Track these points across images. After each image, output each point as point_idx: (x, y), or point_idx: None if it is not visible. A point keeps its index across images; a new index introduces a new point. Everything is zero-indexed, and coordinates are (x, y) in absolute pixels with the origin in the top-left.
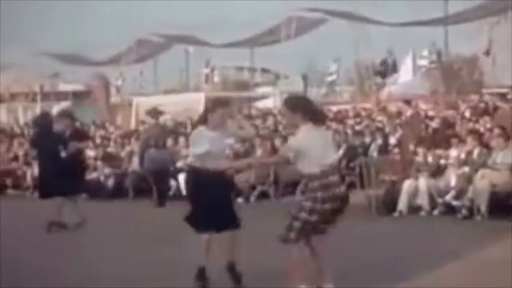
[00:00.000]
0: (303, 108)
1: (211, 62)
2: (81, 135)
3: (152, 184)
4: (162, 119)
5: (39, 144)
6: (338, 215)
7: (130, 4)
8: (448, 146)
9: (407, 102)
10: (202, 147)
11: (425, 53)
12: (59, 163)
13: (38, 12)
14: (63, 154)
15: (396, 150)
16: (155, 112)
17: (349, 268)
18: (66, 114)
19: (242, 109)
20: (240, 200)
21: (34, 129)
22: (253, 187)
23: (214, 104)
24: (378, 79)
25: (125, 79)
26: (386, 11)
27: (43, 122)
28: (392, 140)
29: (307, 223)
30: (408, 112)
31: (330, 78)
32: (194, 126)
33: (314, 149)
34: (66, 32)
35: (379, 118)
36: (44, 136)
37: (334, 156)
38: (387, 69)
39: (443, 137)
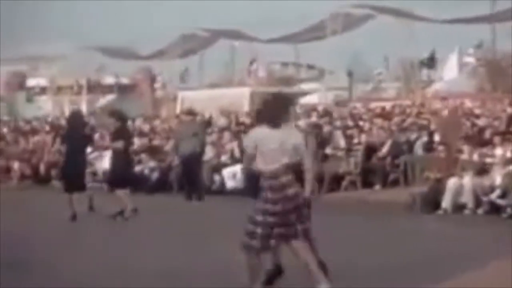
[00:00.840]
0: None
1: (257, 57)
2: (124, 134)
3: (183, 176)
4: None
5: (68, 141)
6: (296, 217)
7: None
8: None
9: (444, 99)
10: None
11: (470, 50)
12: (83, 161)
13: (85, 5)
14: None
15: (441, 147)
16: (189, 112)
17: (392, 266)
18: (111, 113)
19: None
20: None
21: (66, 126)
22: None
23: None
24: (424, 76)
25: (170, 73)
26: (433, 8)
27: (73, 120)
28: (437, 138)
29: (266, 227)
30: (445, 110)
31: (378, 74)
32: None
33: (265, 148)
34: (112, 26)
35: (424, 115)
36: (73, 134)
37: (287, 158)
38: (433, 65)
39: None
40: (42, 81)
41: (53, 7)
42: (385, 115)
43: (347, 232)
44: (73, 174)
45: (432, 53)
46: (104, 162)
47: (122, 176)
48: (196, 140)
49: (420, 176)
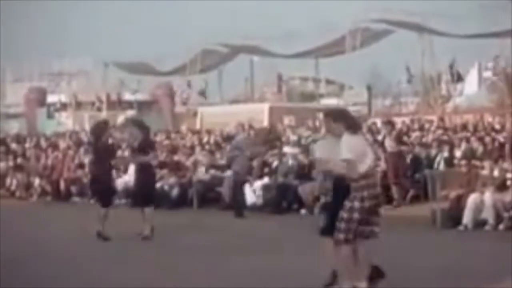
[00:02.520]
0: (344, 119)
1: (276, 72)
2: (149, 146)
3: (231, 193)
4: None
5: (92, 152)
6: (375, 215)
7: (195, 15)
8: None
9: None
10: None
11: (490, 65)
12: (107, 172)
13: (105, 22)
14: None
15: (462, 162)
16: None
17: (413, 281)
18: (134, 122)
19: (306, 120)
20: (303, 211)
21: (91, 136)
22: (317, 199)
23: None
24: (444, 91)
25: (191, 89)
26: (452, 22)
27: (98, 131)
28: (458, 153)
29: (351, 222)
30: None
31: (401, 88)
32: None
33: (358, 153)
34: (132, 42)
35: (443, 130)
36: (98, 144)
37: (372, 158)
38: (452, 80)
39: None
40: (62, 97)
41: (73, 23)
42: (405, 130)
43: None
44: (102, 187)
45: (451, 67)
46: (124, 177)
47: (148, 192)
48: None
49: (441, 192)
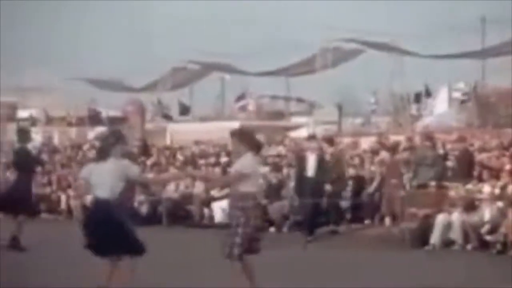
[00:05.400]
0: (248, 140)
1: (246, 90)
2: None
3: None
4: None
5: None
6: (260, 232)
7: (166, 32)
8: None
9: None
10: None
11: (461, 85)
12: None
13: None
14: None
15: (432, 183)
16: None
17: None
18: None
19: (275, 138)
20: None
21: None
22: (286, 217)
23: None
24: (414, 111)
25: (160, 105)
26: (422, 43)
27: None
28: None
29: (244, 237)
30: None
31: (370, 108)
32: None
33: (253, 172)
34: (103, 58)
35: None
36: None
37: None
38: (420, 100)
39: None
40: (33, 112)
41: (44, 38)
42: (375, 150)
43: (337, 265)
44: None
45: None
46: None
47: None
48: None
49: (409, 212)
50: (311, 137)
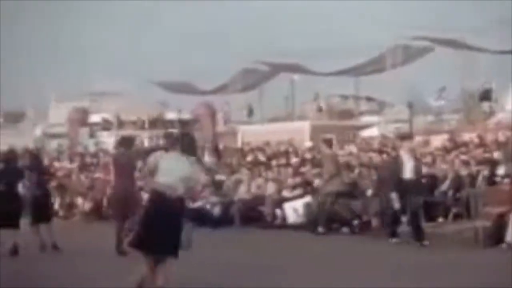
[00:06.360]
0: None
1: (317, 90)
2: None
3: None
4: None
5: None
6: None
7: (236, 33)
8: None
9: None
10: None
11: None
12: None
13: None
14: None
15: (505, 180)
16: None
17: None
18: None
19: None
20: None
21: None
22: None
23: None
24: (485, 107)
25: (231, 107)
26: (491, 38)
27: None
28: (501, 171)
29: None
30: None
31: (437, 104)
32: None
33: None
34: (174, 61)
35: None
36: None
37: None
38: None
39: None
40: (104, 117)
41: (115, 44)
42: (448, 148)
43: (410, 262)
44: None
45: (489, 84)
46: None
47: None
48: None
49: (483, 210)
50: (406, 137)
